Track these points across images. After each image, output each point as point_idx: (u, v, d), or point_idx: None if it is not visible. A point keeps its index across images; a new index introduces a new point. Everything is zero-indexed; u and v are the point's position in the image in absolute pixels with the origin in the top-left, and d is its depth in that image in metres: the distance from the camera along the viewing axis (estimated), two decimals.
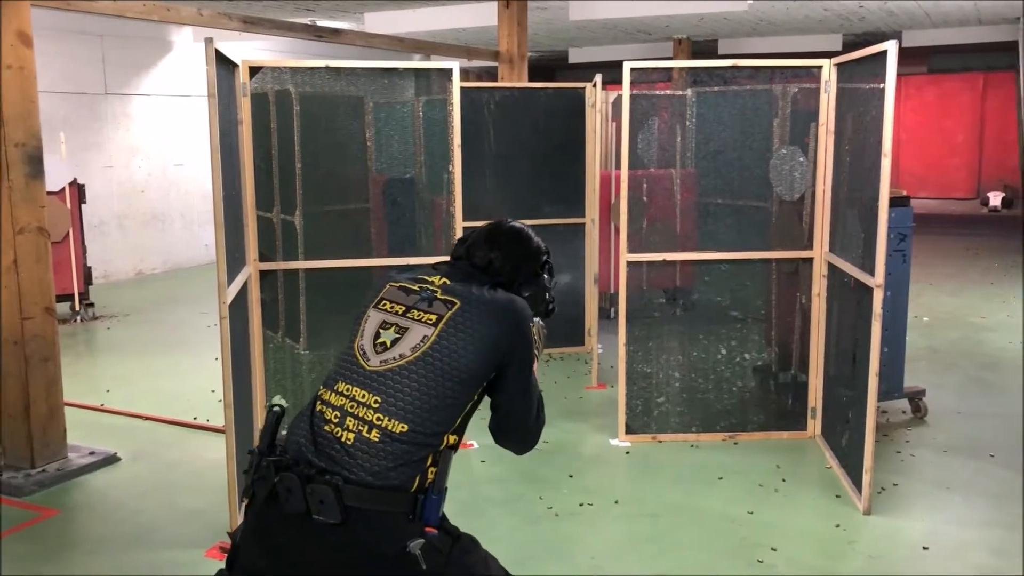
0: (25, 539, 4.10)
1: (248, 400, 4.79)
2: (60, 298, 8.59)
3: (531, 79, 9.49)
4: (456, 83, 5.01)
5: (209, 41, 3.68)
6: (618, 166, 5.19)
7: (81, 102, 10.59)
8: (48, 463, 4.82)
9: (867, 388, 4.28)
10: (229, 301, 3.98)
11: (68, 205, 8.62)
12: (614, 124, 8.48)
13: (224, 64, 4.20)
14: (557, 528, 4.21)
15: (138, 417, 5.84)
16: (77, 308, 8.77)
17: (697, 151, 5.37)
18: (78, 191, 8.77)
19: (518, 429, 2.31)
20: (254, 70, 4.79)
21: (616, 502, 4.49)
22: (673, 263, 5.38)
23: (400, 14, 11.05)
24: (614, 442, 5.28)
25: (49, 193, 8.38)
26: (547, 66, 17.24)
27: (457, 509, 4.53)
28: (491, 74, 10.78)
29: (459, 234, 5.11)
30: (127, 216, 11.26)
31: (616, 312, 5.26)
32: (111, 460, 5.02)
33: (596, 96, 6.82)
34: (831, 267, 5.05)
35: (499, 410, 2.29)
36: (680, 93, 5.58)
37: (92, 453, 5.03)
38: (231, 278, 4.13)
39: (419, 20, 11.23)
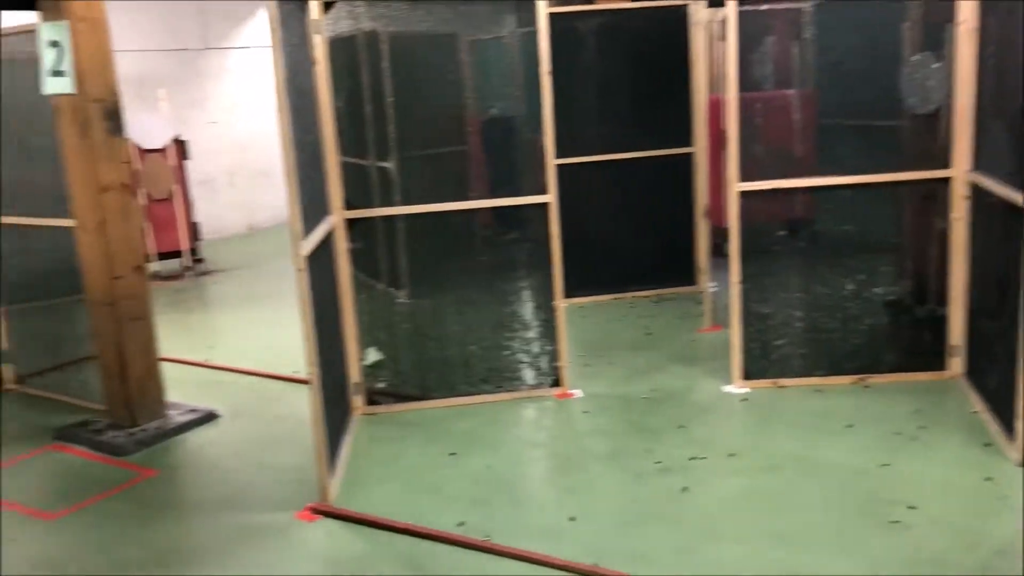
0: (125, 499, 4.08)
1: (340, 353, 4.64)
2: (169, 255, 8.76)
3: None
4: (542, 4, 4.62)
5: None
6: None
7: (183, 58, 10.66)
8: (148, 422, 4.81)
9: (1018, 321, 3.75)
10: (308, 252, 3.79)
11: (171, 162, 8.69)
12: (724, 44, 7.87)
13: (291, 0, 3.95)
14: (666, 484, 3.88)
15: (240, 372, 5.81)
16: (186, 264, 8.89)
17: (817, 67, 4.86)
18: (182, 148, 8.83)
19: None
20: (328, 7, 4.53)
21: (731, 455, 4.12)
22: (790, 191, 4.88)
23: None
24: (728, 388, 4.88)
25: (151, 151, 8.50)
26: None
27: (557, 463, 4.31)
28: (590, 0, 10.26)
29: (551, 171, 4.78)
30: (235, 172, 11.35)
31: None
32: (211, 417, 4.98)
33: (702, 13, 6.29)
34: (974, 187, 4.46)
35: None
36: (796, 6, 5.04)
37: (192, 411, 5.00)
38: (311, 228, 3.93)
39: None
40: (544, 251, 4.86)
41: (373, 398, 4.95)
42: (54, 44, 4.39)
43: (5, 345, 5.72)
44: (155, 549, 3.61)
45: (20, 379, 5.73)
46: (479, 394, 4.96)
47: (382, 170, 5.18)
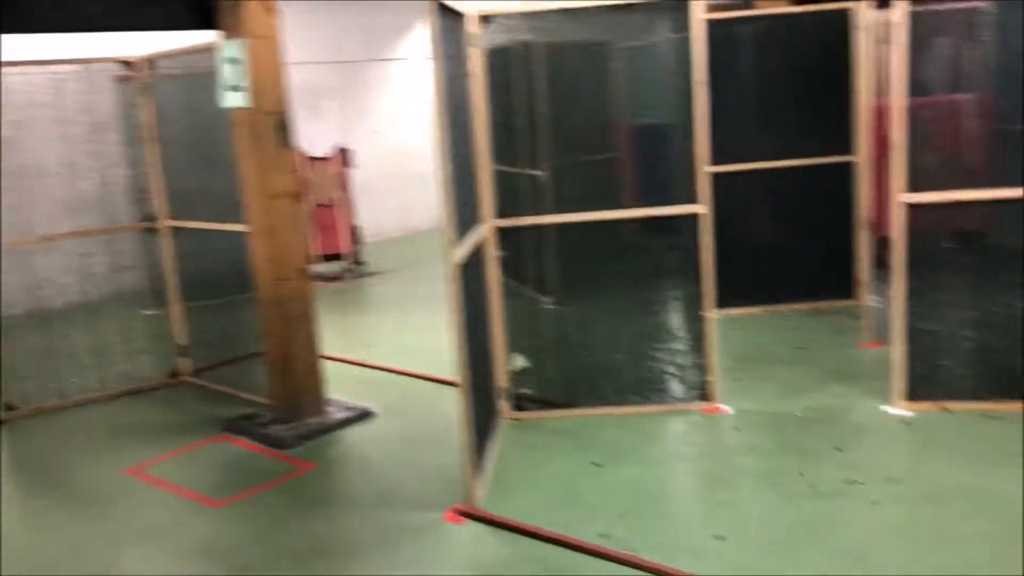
0: (285, 491, 4.31)
1: (488, 358, 4.72)
2: (332, 257, 9.16)
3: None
4: (697, 9, 4.56)
5: None
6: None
7: (349, 70, 11.14)
8: (309, 417, 5.05)
9: None
10: (461, 260, 3.88)
11: (336, 169, 9.10)
12: (889, 48, 7.51)
13: (449, 15, 4.07)
14: (820, 509, 3.74)
15: (394, 372, 6.02)
16: (347, 266, 9.28)
17: (995, 71, 4.55)
18: (346, 156, 9.23)
19: None
20: (485, 20, 4.62)
21: (891, 481, 3.93)
22: (961, 203, 4.60)
23: None
24: (889, 410, 4.65)
25: (318, 159, 8.92)
26: None
27: (705, 479, 4.23)
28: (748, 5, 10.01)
29: (704, 181, 4.69)
30: (395, 178, 11.75)
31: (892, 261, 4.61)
32: (366, 415, 5.18)
33: (867, 16, 6.02)
34: None
35: None
36: (972, 5, 4.75)
37: (349, 408, 5.22)
38: (463, 236, 4.03)
39: None
40: (695, 261, 4.79)
41: (520, 404, 5.01)
42: (232, 60, 4.69)
43: (183, 340, 6.16)
44: (311, 541, 3.80)
45: (195, 372, 6.15)
46: (625, 404, 4.93)
47: (533, 178, 5.23)
